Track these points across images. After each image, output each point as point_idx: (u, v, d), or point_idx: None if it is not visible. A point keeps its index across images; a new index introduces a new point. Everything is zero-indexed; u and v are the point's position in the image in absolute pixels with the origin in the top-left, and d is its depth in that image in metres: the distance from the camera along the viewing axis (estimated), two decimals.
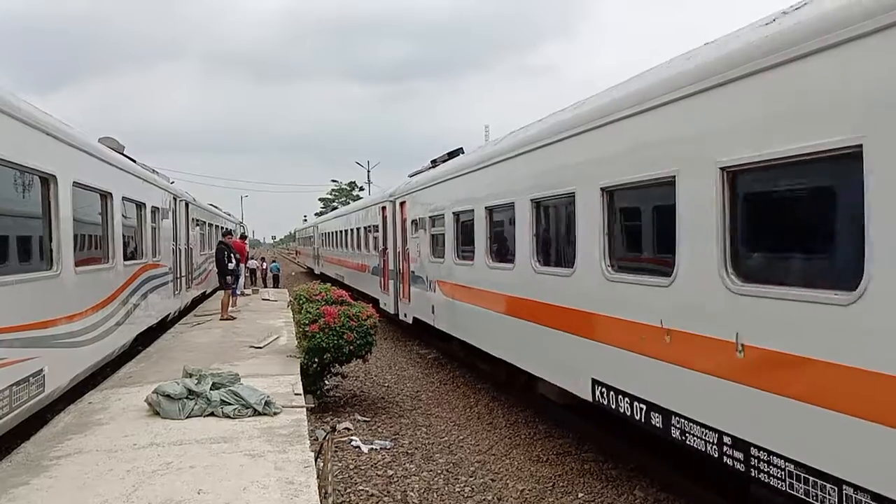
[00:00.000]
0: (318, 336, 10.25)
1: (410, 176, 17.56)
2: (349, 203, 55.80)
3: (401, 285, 17.10)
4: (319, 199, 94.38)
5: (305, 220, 72.65)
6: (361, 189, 75.82)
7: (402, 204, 16.93)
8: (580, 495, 7.51)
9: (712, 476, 6.28)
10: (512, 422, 10.39)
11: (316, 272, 42.28)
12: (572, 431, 9.44)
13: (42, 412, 7.93)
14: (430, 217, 14.08)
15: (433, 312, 13.89)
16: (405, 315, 16.96)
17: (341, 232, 31.03)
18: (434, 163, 15.53)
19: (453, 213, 12.34)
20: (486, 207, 10.47)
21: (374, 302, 19.39)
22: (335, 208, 61.19)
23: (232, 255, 17.22)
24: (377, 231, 20.36)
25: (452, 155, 14.39)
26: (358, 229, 25.22)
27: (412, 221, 15.73)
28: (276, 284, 35.53)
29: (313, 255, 47.66)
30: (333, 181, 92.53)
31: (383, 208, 19.16)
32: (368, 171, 66.55)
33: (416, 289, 15.50)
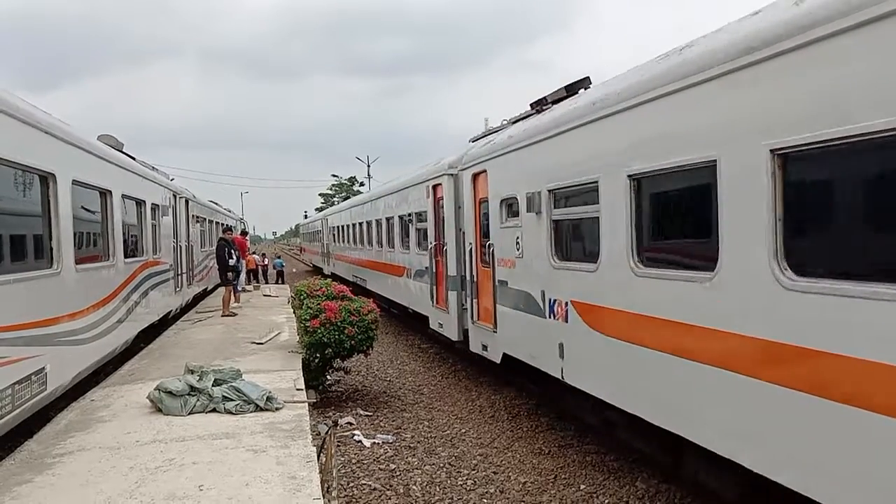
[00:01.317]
0: (319, 331, 10.27)
1: (475, 140, 12.68)
2: (350, 198, 54.09)
3: (475, 301, 11.35)
4: (320, 195, 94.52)
5: (306, 216, 72.28)
6: (362, 184, 75.87)
7: (476, 176, 11.17)
8: (582, 487, 7.54)
9: (712, 468, 6.28)
10: (514, 415, 10.41)
11: (325, 272, 35.36)
12: (574, 424, 9.46)
13: (45, 410, 7.96)
14: (550, 191, 8.24)
15: (562, 356, 7.95)
16: (484, 347, 11.04)
17: (361, 225, 24.51)
18: (539, 106, 9.63)
19: (631, 176, 6.35)
20: (775, 153, 4.67)
21: (421, 320, 15.65)
22: (345, 199, 60.47)
23: (233, 251, 17.23)
24: (423, 220, 14.77)
25: (573, 90, 8.91)
26: (388, 219, 19.20)
27: (502, 202, 9.90)
28: (279, 280, 35.52)
29: (321, 252, 40.85)
30: (334, 176, 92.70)
31: (435, 188, 13.72)
32: (368, 166, 66.62)
33: (510, 309, 9.71)
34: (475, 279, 11.36)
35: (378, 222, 20.92)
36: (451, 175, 12.67)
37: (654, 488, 7.31)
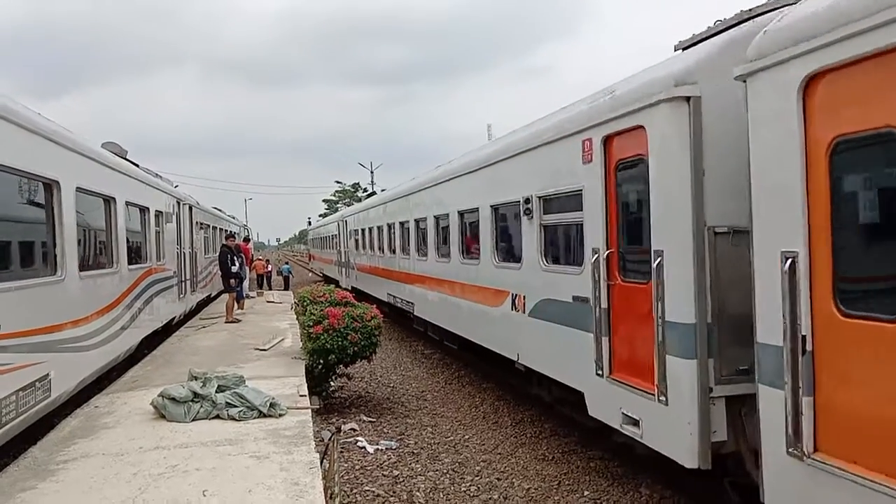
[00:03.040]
0: (322, 337, 10.27)
1: (688, 46, 6.59)
2: (353, 204, 53.13)
3: (806, 399, 4.43)
4: (323, 201, 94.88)
5: (310, 223, 72.19)
6: (365, 190, 75.99)
7: (816, 81, 4.42)
8: (586, 493, 7.52)
9: (717, 474, 6.26)
10: (517, 420, 10.40)
11: (343, 285, 28.04)
12: (578, 430, 9.44)
13: (49, 416, 7.97)
14: None
15: None
16: None
17: (403, 225, 17.68)
18: None
19: None
20: None
21: (528, 377, 9.74)
22: (348, 206, 60.03)
23: (235, 258, 17.25)
24: (568, 208, 8.10)
25: None
26: (465, 214, 12.22)
27: None
28: (285, 286, 35.65)
29: (338, 262, 33.69)
30: (337, 182, 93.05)
31: (609, 140, 7.08)
32: (372, 172, 66.75)
33: None
34: (806, 345, 4.52)
35: (441, 219, 13.93)
36: (686, 100, 5.91)
37: (658, 494, 7.29)
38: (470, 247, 12.14)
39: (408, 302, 17.20)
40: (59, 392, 7.83)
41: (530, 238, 9.11)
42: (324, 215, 76.83)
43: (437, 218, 14.27)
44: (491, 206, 10.74)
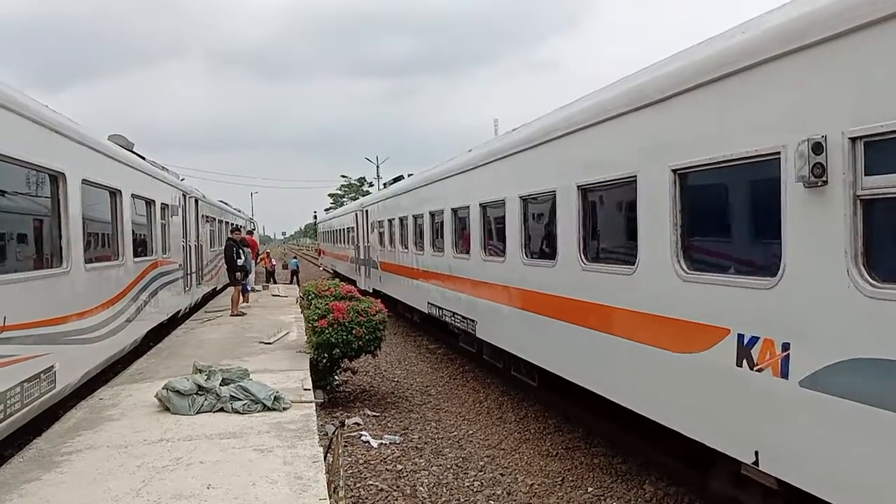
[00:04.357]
0: (327, 331, 10.28)
1: None
2: (359, 198, 50.78)
3: None
4: (329, 195, 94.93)
5: (315, 217, 72.01)
6: (371, 185, 76.01)
7: None
8: (590, 489, 7.50)
9: (721, 470, 6.24)
10: (521, 416, 10.38)
11: (361, 286, 23.46)
12: (582, 426, 9.42)
13: (53, 408, 7.99)
14: None
15: None
16: None
17: (465, 213, 12.34)
18: None
19: None
20: None
21: None
22: (353, 198, 59.44)
23: (241, 251, 17.25)
24: None
25: None
26: (590, 191, 7.60)
27: None
28: (293, 280, 35.69)
29: (355, 259, 28.58)
30: (343, 176, 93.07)
31: None
32: (378, 166, 66.70)
33: None
34: None
35: (532, 202, 9.42)
36: None
37: (663, 491, 7.27)
38: (606, 244, 7.73)
39: (465, 319, 12.38)
40: (63, 384, 7.85)
41: (813, 228, 4.49)
42: (329, 209, 76.84)
43: (524, 200, 9.49)
44: (673, 172, 5.92)
